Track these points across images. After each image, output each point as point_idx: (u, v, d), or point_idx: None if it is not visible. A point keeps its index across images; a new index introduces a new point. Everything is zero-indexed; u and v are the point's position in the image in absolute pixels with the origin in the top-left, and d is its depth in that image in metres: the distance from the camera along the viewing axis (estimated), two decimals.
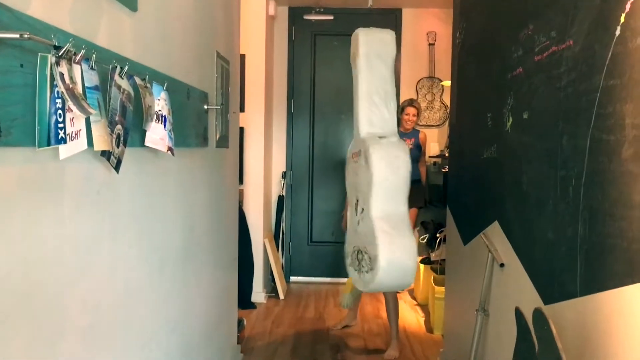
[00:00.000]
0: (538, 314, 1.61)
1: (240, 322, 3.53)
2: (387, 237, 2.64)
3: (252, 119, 4.77)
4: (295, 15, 5.46)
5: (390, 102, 2.89)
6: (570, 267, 1.62)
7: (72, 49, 1.04)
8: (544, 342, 1.59)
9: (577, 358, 1.56)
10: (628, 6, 1.36)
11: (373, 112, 2.84)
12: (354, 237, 2.87)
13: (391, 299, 3.81)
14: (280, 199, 5.45)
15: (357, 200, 2.88)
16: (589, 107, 1.52)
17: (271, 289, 5.09)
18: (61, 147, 1.02)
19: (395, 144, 2.80)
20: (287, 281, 5.48)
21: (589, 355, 1.53)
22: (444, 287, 3.66)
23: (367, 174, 2.80)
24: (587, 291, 1.55)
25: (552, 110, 1.79)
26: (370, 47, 2.86)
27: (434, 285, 4.17)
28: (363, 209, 2.81)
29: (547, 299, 1.81)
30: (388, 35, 2.88)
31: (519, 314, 1.83)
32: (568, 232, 1.65)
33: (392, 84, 2.93)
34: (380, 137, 2.81)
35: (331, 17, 5.25)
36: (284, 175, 5.52)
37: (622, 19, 1.38)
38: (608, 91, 1.44)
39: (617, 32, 1.40)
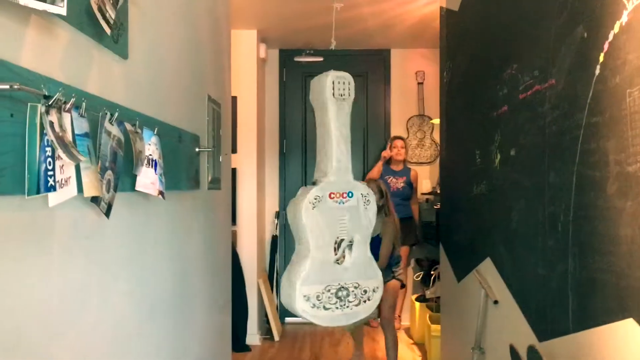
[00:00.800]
0: (532, 351, 1.61)
1: None
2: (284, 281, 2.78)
3: (245, 160, 4.79)
4: (286, 57, 5.55)
5: (326, 144, 2.92)
6: (562, 303, 1.62)
7: (62, 98, 1.06)
8: None
9: None
10: (606, 46, 1.40)
11: (319, 158, 2.90)
12: (326, 276, 2.85)
13: (390, 337, 3.78)
14: (274, 239, 5.44)
15: (340, 240, 2.89)
16: (574, 144, 1.55)
17: (266, 331, 5.03)
18: (50, 194, 1.03)
19: (299, 198, 2.86)
20: (282, 322, 5.42)
21: None
22: (439, 325, 3.63)
23: (366, 213, 2.84)
24: (579, 327, 1.54)
25: (538, 147, 1.82)
26: (312, 92, 2.91)
27: (429, 323, 4.13)
28: (351, 247, 2.83)
29: (541, 335, 1.80)
30: (324, 77, 2.89)
31: (513, 351, 1.82)
32: (558, 268, 1.65)
33: (332, 126, 2.84)
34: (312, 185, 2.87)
35: (321, 59, 5.34)
36: (277, 215, 5.52)
37: (601, 58, 1.42)
38: (591, 128, 1.46)
39: (597, 71, 1.43)
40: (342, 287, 2.82)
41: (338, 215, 2.85)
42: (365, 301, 2.80)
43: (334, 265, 2.83)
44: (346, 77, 2.85)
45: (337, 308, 2.81)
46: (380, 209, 3.72)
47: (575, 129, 1.54)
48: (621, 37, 1.32)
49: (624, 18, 1.30)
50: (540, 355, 1.55)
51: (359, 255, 2.81)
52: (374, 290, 2.81)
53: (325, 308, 2.82)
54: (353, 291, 2.81)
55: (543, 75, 1.78)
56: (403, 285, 4.04)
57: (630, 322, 1.29)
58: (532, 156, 1.88)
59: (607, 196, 1.38)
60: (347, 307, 2.82)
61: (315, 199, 2.81)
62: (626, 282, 1.31)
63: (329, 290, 2.82)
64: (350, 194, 2.84)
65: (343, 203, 2.84)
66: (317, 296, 2.79)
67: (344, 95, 2.88)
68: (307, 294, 2.80)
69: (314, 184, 2.80)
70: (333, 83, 2.78)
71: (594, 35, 1.45)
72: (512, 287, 2.12)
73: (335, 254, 2.86)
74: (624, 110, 1.31)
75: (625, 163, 1.31)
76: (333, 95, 2.79)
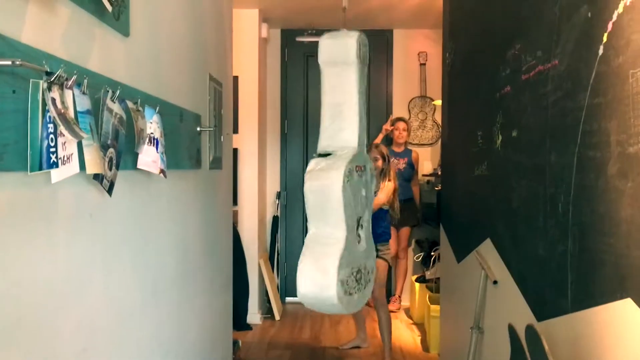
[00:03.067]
0: (531, 331, 1.62)
1: (235, 344, 3.52)
2: (305, 261, 2.53)
3: (246, 140, 4.79)
4: (288, 37, 5.52)
5: (350, 111, 2.48)
6: (561, 283, 1.64)
7: (63, 75, 1.06)
8: (537, 359, 1.59)
9: None
10: (610, 26, 1.39)
11: (332, 125, 2.64)
12: (352, 259, 2.60)
13: (384, 316, 3.81)
14: (275, 219, 5.46)
15: (359, 218, 2.65)
16: (575, 125, 1.54)
17: (267, 310, 5.07)
18: (53, 171, 1.03)
19: (332, 166, 2.55)
20: (283, 302, 5.46)
21: None
22: (439, 306, 3.65)
23: (371, 188, 2.70)
24: (578, 307, 1.55)
25: (539, 128, 1.81)
26: (328, 53, 2.57)
27: (429, 303, 4.16)
28: (363, 225, 2.67)
29: (540, 315, 1.81)
30: (350, 37, 2.62)
31: (512, 331, 1.84)
32: (558, 249, 1.66)
33: (356, 92, 2.56)
34: (326, 155, 2.61)
35: None
36: (279, 195, 5.53)
37: (605, 39, 1.41)
38: (593, 109, 1.46)
39: (600, 52, 1.43)
40: (359, 270, 2.59)
41: (359, 191, 2.59)
42: (369, 281, 2.69)
43: (356, 245, 2.60)
44: (366, 40, 2.62)
45: (356, 292, 2.61)
46: (381, 173, 3.74)
47: (577, 110, 1.54)
48: (625, 17, 1.31)
49: None
50: (539, 335, 1.56)
51: (368, 235, 2.65)
52: (372, 271, 2.75)
53: (349, 294, 2.60)
54: (363, 272, 2.66)
55: (546, 55, 1.77)
56: (390, 267, 3.98)
57: (628, 302, 1.30)
58: (534, 137, 1.88)
59: (607, 177, 1.38)
60: (361, 290, 2.62)
61: (350, 172, 2.50)
62: (625, 262, 1.32)
63: (352, 274, 2.61)
64: (364, 168, 2.62)
65: (362, 177, 2.60)
66: (347, 281, 2.56)
67: (366, 59, 2.62)
68: (343, 279, 2.54)
69: (326, 155, 2.49)
70: (359, 45, 2.53)
71: (598, 15, 1.44)
72: (512, 268, 2.13)
73: (358, 234, 2.63)
74: (627, 91, 1.30)
75: (627, 144, 1.31)
76: (359, 57, 2.53)
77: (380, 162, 3.73)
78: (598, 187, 1.43)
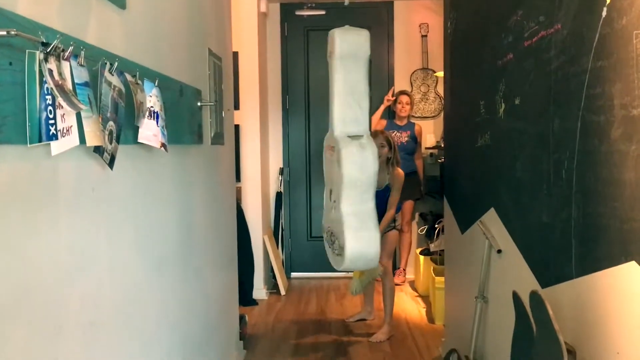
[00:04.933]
0: (535, 297, 1.63)
1: (242, 319, 3.54)
2: (354, 232, 2.97)
3: (248, 117, 4.77)
4: (287, 12, 5.46)
5: (362, 102, 3.04)
6: (565, 249, 1.63)
7: (60, 46, 1.05)
8: (541, 324, 1.60)
9: (575, 338, 1.57)
10: None
11: (346, 112, 3.03)
12: (328, 217, 3.12)
13: (388, 284, 3.86)
14: (279, 195, 5.46)
15: (331, 190, 3.10)
16: (579, 90, 1.53)
17: (272, 286, 5.11)
18: (53, 143, 1.03)
19: (366, 145, 2.97)
20: (288, 277, 5.49)
21: (586, 335, 1.54)
22: (444, 278, 3.67)
23: (339, 172, 2.98)
24: (582, 272, 1.56)
25: (542, 95, 1.80)
26: (345, 48, 2.95)
27: (434, 275, 4.18)
28: (335, 201, 3.01)
29: (544, 282, 1.82)
30: (363, 35, 2.99)
31: (516, 298, 1.84)
32: (562, 215, 1.66)
33: (365, 84, 3.03)
34: (353, 137, 2.96)
35: (323, 12, 5.25)
36: (282, 171, 5.53)
37: (608, 0, 1.39)
38: (597, 72, 1.44)
39: (604, 14, 1.41)
40: (332, 233, 3.14)
41: (328, 164, 3.19)
42: (340, 255, 3.03)
43: (330, 209, 3.16)
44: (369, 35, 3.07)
45: (330, 247, 3.30)
46: (388, 161, 3.73)
47: (581, 73, 1.52)
48: None
49: None
50: (543, 300, 1.57)
51: (335, 207, 3.17)
52: (341, 247, 3.07)
53: (328, 245, 3.29)
54: (334, 241, 3.15)
55: (549, 20, 1.75)
56: (399, 231, 4.21)
57: (633, 264, 1.30)
58: (537, 104, 1.86)
59: (611, 141, 1.37)
60: (334, 252, 3.16)
61: (327, 148, 3.11)
62: (629, 226, 1.32)
63: (328, 231, 3.25)
64: (334, 150, 3.12)
65: (331, 156, 3.12)
66: (325, 231, 3.27)
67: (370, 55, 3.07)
68: (323, 226, 3.28)
69: (353, 137, 2.92)
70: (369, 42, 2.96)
71: None
72: (516, 236, 2.13)
73: (330, 200, 3.20)
74: (631, 53, 1.29)
75: (631, 106, 1.29)
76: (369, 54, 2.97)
77: (386, 150, 3.73)
78: (602, 151, 1.42)
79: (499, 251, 2.32)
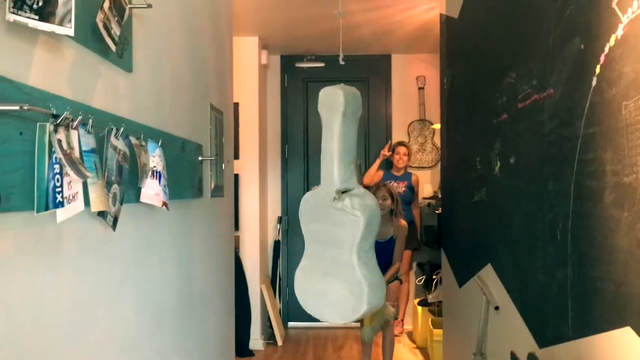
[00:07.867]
0: (532, 359, 1.62)
1: None
2: (368, 282, 2.88)
3: (247, 166, 4.82)
4: (287, 63, 5.58)
5: (351, 159, 3.05)
6: (562, 310, 1.64)
7: (69, 116, 1.09)
8: None
9: None
10: (602, 58, 1.42)
11: (344, 171, 3.03)
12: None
13: (388, 336, 3.84)
14: (277, 243, 5.46)
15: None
16: (572, 154, 1.57)
17: (269, 336, 5.05)
18: (59, 210, 1.05)
19: (367, 193, 2.97)
20: (285, 327, 5.44)
21: None
22: (442, 330, 3.64)
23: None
24: (579, 334, 1.56)
25: (537, 156, 1.84)
26: (350, 106, 2.97)
27: (432, 327, 4.15)
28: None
29: (542, 342, 1.82)
30: (358, 92, 3.00)
31: (514, 358, 1.84)
32: (558, 275, 1.67)
33: (355, 139, 3.05)
34: (347, 191, 2.96)
35: (322, 64, 5.37)
36: (280, 220, 5.54)
37: (598, 70, 1.44)
38: (588, 138, 1.48)
39: (594, 83, 1.45)
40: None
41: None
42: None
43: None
44: (358, 94, 2.97)
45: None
46: (391, 213, 3.77)
47: (573, 138, 1.56)
48: (617, 50, 1.34)
49: (619, 31, 1.32)
50: None
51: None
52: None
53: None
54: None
55: (541, 84, 1.80)
56: (401, 281, 4.18)
57: (627, 330, 1.31)
58: (532, 164, 1.90)
59: (604, 206, 1.40)
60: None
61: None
62: (624, 291, 1.33)
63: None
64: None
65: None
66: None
67: (357, 110, 2.99)
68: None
69: (343, 192, 2.91)
70: (346, 97, 2.85)
71: (591, 47, 1.47)
72: (513, 294, 2.14)
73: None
74: (620, 122, 1.33)
75: (622, 174, 1.33)
76: (345, 108, 2.90)
77: (389, 202, 3.77)
78: (595, 215, 1.45)
79: (497, 308, 2.32)
